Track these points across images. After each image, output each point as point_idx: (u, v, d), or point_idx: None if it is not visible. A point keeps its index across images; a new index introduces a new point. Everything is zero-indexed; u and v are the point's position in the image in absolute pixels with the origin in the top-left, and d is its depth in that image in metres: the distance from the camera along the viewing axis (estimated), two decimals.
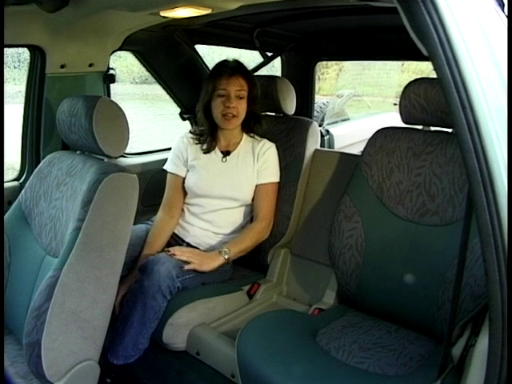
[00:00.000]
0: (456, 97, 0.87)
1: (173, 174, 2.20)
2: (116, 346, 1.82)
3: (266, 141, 2.22)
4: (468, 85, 0.86)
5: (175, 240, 2.19)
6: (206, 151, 2.17)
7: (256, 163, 2.16)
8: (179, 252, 1.93)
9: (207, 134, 2.18)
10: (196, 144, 2.20)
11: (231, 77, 2.06)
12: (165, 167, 2.22)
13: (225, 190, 2.12)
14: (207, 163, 2.17)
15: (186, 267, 1.90)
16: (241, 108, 2.09)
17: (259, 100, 2.19)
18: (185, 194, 2.21)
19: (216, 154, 2.19)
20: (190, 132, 2.24)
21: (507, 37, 1.02)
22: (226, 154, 2.18)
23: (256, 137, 2.22)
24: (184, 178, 2.19)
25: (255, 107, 2.17)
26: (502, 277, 0.89)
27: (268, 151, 2.18)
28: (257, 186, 2.17)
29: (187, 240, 2.17)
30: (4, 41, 1.57)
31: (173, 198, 2.20)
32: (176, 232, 2.20)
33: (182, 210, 2.22)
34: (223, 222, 2.16)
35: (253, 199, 2.18)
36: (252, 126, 2.21)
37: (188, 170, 2.19)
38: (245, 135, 2.22)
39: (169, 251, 1.92)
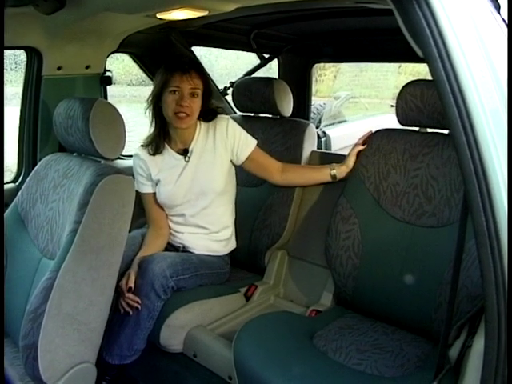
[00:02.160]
0: (451, 98, 0.87)
1: (144, 193, 2.10)
2: (111, 345, 1.81)
3: (219, 118, 2.09)
4: (463, 87, 0.86)
5: (172, 246, 2.16)
6: (153, 153, 2.05)
7: (226, 146, 2.07)
8: None
9: (156, 133, 2.06)
10: (152, 155, 2.07)
11: (185, 74, 1.93)
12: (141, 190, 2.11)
13: (200, 188, 2.05)
14: (171, 172, 2.06)
15: None
16: (195, 107, 1.97)
17: (213, 95, 2.09)
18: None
19: (175, 157, 2.07)
20: (142, 146, 2.10)
21: (507, 41, 1.03)
22: (184, 152, 2.06)
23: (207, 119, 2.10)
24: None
25: (210, 103, 2.06)
26: (497, 278, 0.89)
27: (230, 127, 2.07)
28: (245, 161, 2.10)
29: (181, 246, 2.15)
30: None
31: (155, 213, 2.12)
32: (169, 241, 2.15)
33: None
34: (208, 221, 2.11)
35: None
36: (208, 118, 2.09)
37: (156, 184, 2.09)
38: (197, 128, 2.09)
39: None
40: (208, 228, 2.12)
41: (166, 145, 2.08)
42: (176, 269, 1.90)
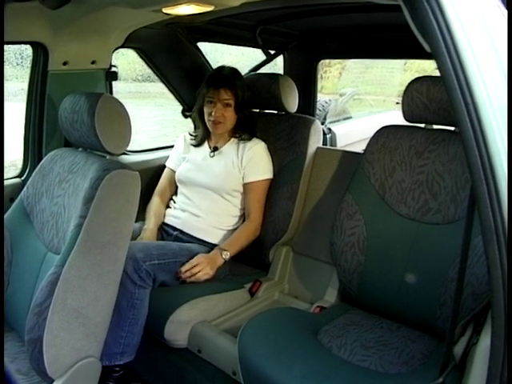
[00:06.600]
0: (459, 94, 0.86)
1: (169, 168, 2.44)
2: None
3: (254, 140, 2.30)
4: (471, 82, 0.86)
5: (165, 231, 2.28)
6: (196, 145, 2.39)
7: (240, 162, 2.25)
8: (189, 266, 2.00)
9: (201, 134, 2.38)
10: (191, 142, 2.41)
11: (218, 89, 2.20)
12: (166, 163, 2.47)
13: (207, 180, 2.25)
14: (196, 156, 2.35)
15: (200, 277, 2.00)
16: (227, 115, 2.23)
17: (249, 101, 2.30)
18: (176, 186, 2.39)
19: (205, 149, 2.36)
20: (190, 134, 2.45)
21: (507, 33, 1.02)
22: (214, 149, 2.33)
23: (245, 137, 2.30)
24: None
25: (245, 112, 2.28)
26: (504, 274, 0.88)
27: (253, 148, 2.26)
28: (245, 184, 2.24)
29: (179, 227, 2.24)
30: (6, 37, 1.58)
31: (164, 186, 2.42)
32: (167, 221, 2.30)
33: (173, 201, 2.37)
34: (212, 209, 2.24)
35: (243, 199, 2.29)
36: (243, 130, 2.31)
37: (180, 163, 2.39)
38: (232, 138, 2.33)
39: (180, 276, 2.00)
40: (211, 213, 2.24)
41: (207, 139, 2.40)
42: (149, 253, 1.90)
